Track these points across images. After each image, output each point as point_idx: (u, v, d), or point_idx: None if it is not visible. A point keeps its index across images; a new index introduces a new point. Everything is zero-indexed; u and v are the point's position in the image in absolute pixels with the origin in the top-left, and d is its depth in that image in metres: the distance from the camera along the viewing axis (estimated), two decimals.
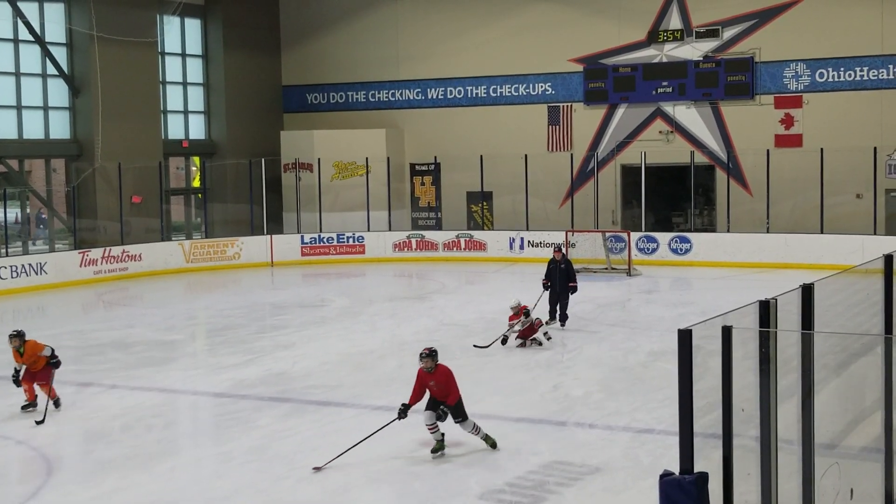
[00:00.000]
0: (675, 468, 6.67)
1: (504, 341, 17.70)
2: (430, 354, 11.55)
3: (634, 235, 29.33)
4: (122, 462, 11.57)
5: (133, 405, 14.22)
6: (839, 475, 8.01)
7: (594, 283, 26.39)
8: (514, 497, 10.03)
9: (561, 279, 19.17)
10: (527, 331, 17.68)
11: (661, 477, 6.72)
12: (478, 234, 32.06)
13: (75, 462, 11.91)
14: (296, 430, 12.73)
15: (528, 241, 31.00)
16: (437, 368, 11.57)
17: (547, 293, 19.34)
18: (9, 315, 24.10)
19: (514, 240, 31.25)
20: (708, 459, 6.75)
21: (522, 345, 17.68)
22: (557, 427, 12.71)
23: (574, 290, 19.38)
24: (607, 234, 28.93)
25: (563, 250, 19.65)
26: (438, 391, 11.58)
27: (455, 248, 31.87)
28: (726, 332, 6.72)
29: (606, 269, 28.07)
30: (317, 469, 11.06)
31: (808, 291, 7.53)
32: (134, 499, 10.31)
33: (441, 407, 11.49)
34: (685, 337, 6.56)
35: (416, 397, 11.65)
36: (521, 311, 17.68)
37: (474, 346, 17.56)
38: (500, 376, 15.65)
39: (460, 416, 11.60)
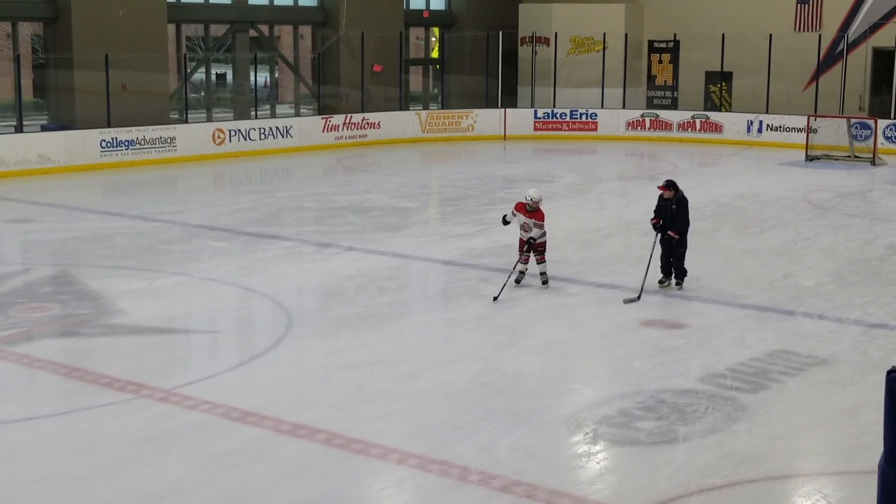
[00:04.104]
0: None
1: (519, 280, 13.65)
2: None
3: (882, 123, 27.91)
4: (355, 321, 12.18)
5: (368, 267, 14.87)
6: None
7: (835, 171, 25.46)
8: (735, 383, 10.02)
9: (669, 224, 13.49)
10: (537, 245, 13.41)
11: (889, 373, 6.61)
12: (714, 116, 31.25)
13: (313, 318, 12.60)
14: (521, 301, 13.02)
15: (767, 125, 30.01)
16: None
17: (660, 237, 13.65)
18: (256, 175, 25.43)
19: (752, 123, 30.31)
20: None
21: (521, 276, 13.60)
22: (785, 316, 12.52)
23: (676, 242, 13.47)
24: (852, 121, 27.65)
25: (678, 186, 13.59)
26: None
27: (690, 129, 31.21)
28: None
29: (849, 156, 26.93)
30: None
31: None
32: (365, 356, 10.87)
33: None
34: None
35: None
36: (532, 213, 13.31)
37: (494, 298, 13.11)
38: (728, 261, 15.47)
39: None
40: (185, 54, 29.16)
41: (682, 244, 13.54)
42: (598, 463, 8.29)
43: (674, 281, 13.61)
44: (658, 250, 13.56)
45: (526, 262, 13.55)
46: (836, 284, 14.16)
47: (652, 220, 13.62)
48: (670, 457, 8.27)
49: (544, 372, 10.45)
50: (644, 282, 13.12)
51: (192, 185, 23.99)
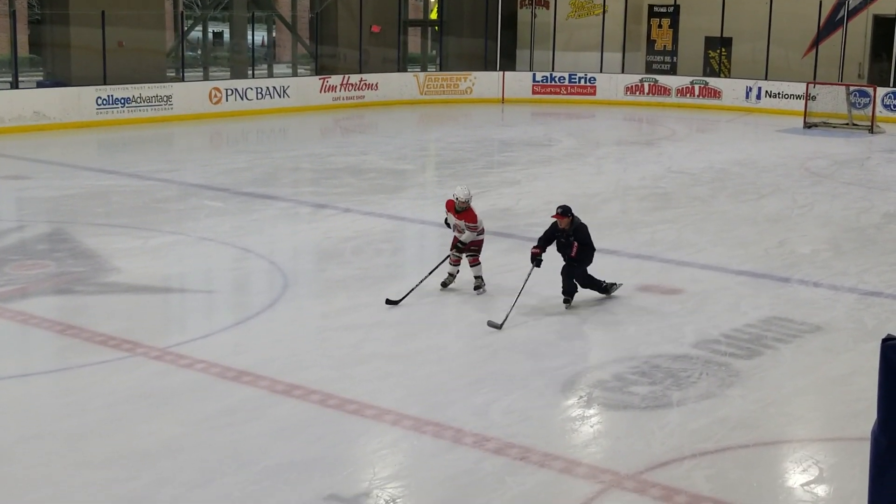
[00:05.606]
0: None
1: (447, 283, 11.94)
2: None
3: (881, 91, 27.84)
4: (351, 283, 12.18)
5: (364, 229, 14.85)
6: None
7: (833, 138, 25.41)
8: (730, 349, 10.04)
9: (566, 254, 11.39)
10: (474, 243, 11.77)
11: (884, 341, 6.62)
12: (713, 82, 31.14)
13: (309, 279, 12.58)
14: (516, 265, 12.98)
15: (766, 92, 29.92)
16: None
17: (537, 269, 11.36)
18: (253, 135, 25.34)
19: (750, 89, 30.21)
20: None
21: (450, 279, 11.92)
22: (780, 283, 12.53)
23: (576, 262, 11.36)
24: (851, 88, 27.57)
25: (572, 212, 11.32)
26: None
27: (688, 95, 31.11)
28: None
29: (847, 124, 26.88)
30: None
31: None
32: (361, 318, 10.87)
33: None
34: None
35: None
36: (462, 214, 11.56)
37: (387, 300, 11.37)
38: (725, 228, 15.46)
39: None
40: (182, 12, 28.99)
41: (582, 264, 11.45)
42: (591, 427, 8.31)
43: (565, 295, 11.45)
44: (532, 279, 11.29)
45: (456, 263, 11.82)
46: (831, 252, 14.17)
47: (533, 248, 11.34)
48: (664, 421, 8.30)
49: (539, 336, 10.46)
50: (511, 310, 10.78)
51: (189, 143, 23.91)
